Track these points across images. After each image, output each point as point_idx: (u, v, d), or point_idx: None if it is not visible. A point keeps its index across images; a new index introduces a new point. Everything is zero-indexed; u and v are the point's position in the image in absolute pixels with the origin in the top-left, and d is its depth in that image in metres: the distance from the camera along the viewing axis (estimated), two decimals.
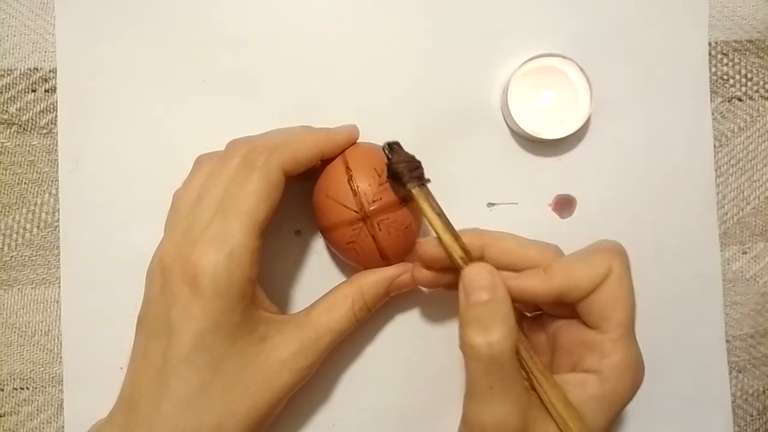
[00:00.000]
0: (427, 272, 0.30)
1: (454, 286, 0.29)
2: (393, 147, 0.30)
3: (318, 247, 0.35)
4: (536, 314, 0.32)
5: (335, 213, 0.30)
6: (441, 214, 0.29)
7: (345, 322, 0.30)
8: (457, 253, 0.28)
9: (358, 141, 0.32)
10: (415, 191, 0.29)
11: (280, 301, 0.34)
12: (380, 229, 0.30)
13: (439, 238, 0.28)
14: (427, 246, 0.29)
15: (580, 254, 0.29)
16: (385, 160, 0.30)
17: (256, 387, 0.28)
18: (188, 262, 0.27)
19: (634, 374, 0.28)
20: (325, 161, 0.31)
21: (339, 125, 0.33)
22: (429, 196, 0.29)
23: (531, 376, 0.27)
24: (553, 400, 0.27)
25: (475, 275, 0.27)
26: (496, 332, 0.26)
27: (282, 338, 0.29)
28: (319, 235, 0.35)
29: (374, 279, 0.31)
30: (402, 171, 0.29)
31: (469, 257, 0.28)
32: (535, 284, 0.28)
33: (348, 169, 0.30)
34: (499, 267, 0.28)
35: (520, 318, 0.33)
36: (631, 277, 0.28)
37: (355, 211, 0.30)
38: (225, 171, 0.29)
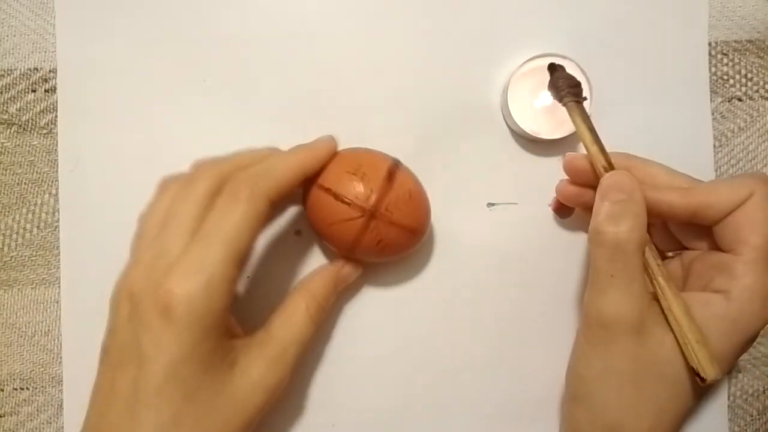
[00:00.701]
0: (571, 187, 0.32)
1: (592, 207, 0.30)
2: (556, 66, 0.33)
3: (318, 247, 0.35)
4: (676, 253, 0.32)
5: (348, 230, 0.30)
6: (591, 129, 0.30)
7: (304, 329, 0.30)
8: (601, 163, 0.29)
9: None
10: (570, 105, 0.30)
11: (280, 301, 0.34)
12: (392, 212, 0.30)
13: (586, 149, 0.29)
14: (575, 159, 0.31)
15: (723, 177, 0.30)
16: (352, 155, 0.31)
17: (230, 413, 0.27)
18: (161, 289, 0.26)
19: (763, 302, 0.27)
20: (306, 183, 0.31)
21: (313, 139, 0.32)
22: (583, 112, 0.30)
23: (654, 282, 0.27)
24: (673, 309, 0.27)
25: (614, 179, 0.28)
26: (624, 223, 0.27)
27: (249, 360, 0.28)
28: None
29: (320, 279, 0.32)
30: (561, 86, 0.31)
31: (612, 168, 0.29)
32: (673, 198, 0.28)
33: (328, 190, 0.30)
34: None
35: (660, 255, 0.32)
36: None
37: (361, 216, 0.30)
38: (191, 195, 0.28)
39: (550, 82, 0.32)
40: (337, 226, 0.30)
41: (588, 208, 0.31)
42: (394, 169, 0.31)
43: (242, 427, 0.28)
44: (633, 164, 0.30)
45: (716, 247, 0.29)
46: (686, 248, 0.31)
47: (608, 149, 0.29)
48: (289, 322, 0.30)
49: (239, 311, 0.33)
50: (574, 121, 0.30)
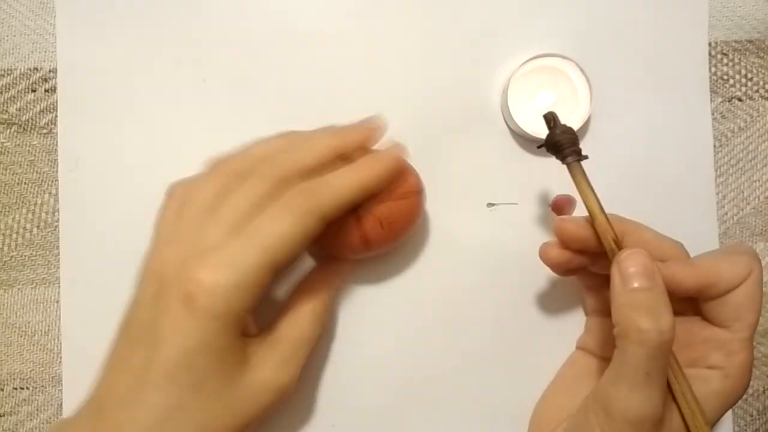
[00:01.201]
0: (561, 252, 0.30)
1: (577, 270, 0.29)
2: (554, 118, 0.29)
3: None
4: None
5: (349, 234, 0.30)
6: (595, 193, 0.28)
7: (313, 329, 0.31)
8: (610, 235, 0.28)
9: None
10: (574, 166, 0.29)
11: (280, 301, 0.34)
12: (390, 209, 0.30)
13: (592, 218, 0.28)
14: (572, 225, 0.29)
15: (719, 253, 0.29)
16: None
17: (236, 407, 0.27)
18: (190, 277, 0.26)
19: (750, 375, 0.28)
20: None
21: (382, 147, 0.31)
22: (584, 173, 0.29)
23: (669, 367, 0.27)
24: (685, 392, 0.27)
25: (634, 261, 0.27)
26: (665, 319, 0.26)
27: (260, 359, 0.28)
28: None
29: (322, 278, 0.32)
30: (564, 143, 0.28)
31: (618, 242, 0.28)
32: (683, 274, 0.28)
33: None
34: None
35: None
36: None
37: (349, 214, 0.30)
38: (246, 192, 0.28)
39: (549, 137, 0.29)
40: (338, 240, 0.30)
41: (572, 271, 0.31)
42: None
43: (246, 423, 0.28)
44: (626, 230, 0.29)
45: (698, 313, 0.29)
46: None
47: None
48: (298, 323, 0.30)
49: None
50: (578, 185, 0.28)
